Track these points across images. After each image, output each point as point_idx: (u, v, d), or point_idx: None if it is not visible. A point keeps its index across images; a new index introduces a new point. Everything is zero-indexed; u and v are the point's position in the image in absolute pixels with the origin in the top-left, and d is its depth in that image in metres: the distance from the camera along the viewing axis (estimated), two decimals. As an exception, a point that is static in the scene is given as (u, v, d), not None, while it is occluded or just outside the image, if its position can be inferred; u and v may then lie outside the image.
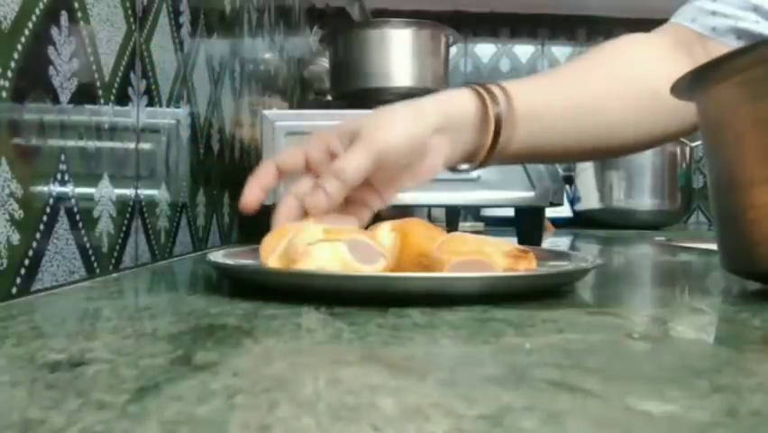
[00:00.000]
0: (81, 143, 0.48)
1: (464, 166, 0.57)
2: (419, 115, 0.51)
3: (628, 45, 0.62)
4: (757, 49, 0.40)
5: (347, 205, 0.50)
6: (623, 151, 0.64)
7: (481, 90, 0.53)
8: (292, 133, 0.87)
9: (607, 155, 0.68)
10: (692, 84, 0.43)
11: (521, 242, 0.89)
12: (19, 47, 0.39)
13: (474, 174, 0.85)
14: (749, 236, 0.41)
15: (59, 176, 0.44)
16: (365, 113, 0.88)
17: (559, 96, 0.57)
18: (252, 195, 0.48)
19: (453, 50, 1.55)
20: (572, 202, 1.90)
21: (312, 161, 0.50)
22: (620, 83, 0.58)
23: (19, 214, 0.39)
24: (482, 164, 0.56)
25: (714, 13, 0.61)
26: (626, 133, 0.59)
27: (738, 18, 0.59)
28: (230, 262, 0.48)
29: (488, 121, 0.52)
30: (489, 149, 0.53)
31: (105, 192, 0.52)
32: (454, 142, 0.53)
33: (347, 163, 0.47)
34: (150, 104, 0.62)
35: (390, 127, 0.50)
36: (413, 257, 0.45)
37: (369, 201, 0.52)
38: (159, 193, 0.65)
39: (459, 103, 0.53)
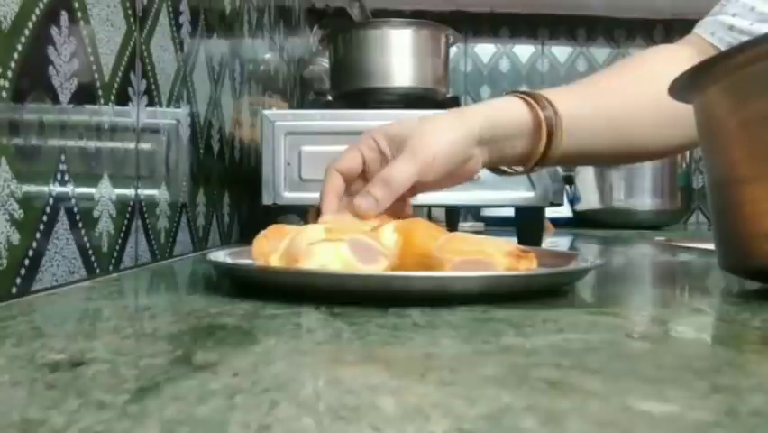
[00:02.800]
0: (81, 143, 0.48)
1: (518, 168, 0.60)
2: (466, 125, 0.53)
3: (656, 58, 0.63)
4: (750, 48, 0.40)
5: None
6: (656, 156, 0.66)
7: (528, 98, 0.55)
8: (292, 133, 0.87)
9: (642, 160, 0.72)
10: (689, 85, 0.43)
11: (521, 242, 0.89)
12: (19, 47, 0.39)
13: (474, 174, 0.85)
14: (745, 232, 0.41)
15: (59, 176, 0.44)
16: (369, 113, 0.89)
17: (596, 104, 0.59)
18: (332, 206, 0.51)
19: (453, 50, 1.55)
20: (572, 202, 1.90)
21: (367, 162, 0.52)
22: (648, 97, 0.59)
23: (19, 214, 0.39)
24: (534, 167, 0.58)
25: (731, 28, 0.62)
26: (658, 142, 0.61)
27: (753, 33, 0.59)
28: (230, 262, 0.48)
29: (540, 127, 0.55)
30: (543, 153, 0.56)
31: (105, 192, 0.52)
32: (501, 150, 0.55)
33: (396, 173, 0.49)
34: (150, 104, 0.62)
35: (437, 139, 0.52)
36: (416, 258, 0.44)
37: (407, 197, 0.54)
38: (159, 193, 0.65)
39: (509, 111, 0.55)
